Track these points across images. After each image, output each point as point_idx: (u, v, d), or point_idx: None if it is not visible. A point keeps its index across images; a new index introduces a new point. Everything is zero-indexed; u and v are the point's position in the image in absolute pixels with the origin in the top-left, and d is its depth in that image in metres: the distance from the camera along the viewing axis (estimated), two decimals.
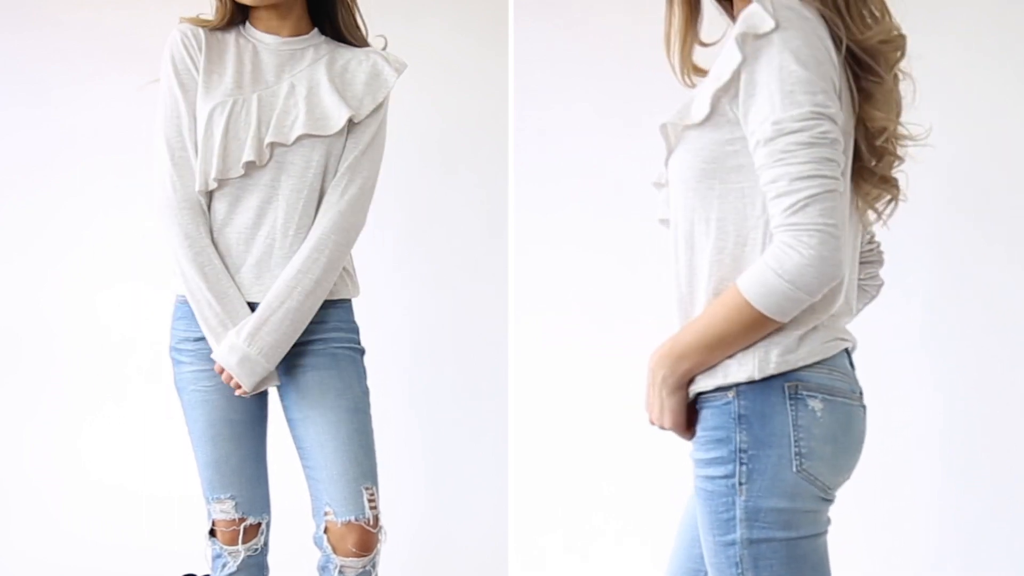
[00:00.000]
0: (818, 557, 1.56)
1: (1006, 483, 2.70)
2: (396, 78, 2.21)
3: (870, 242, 1.85)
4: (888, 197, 1.69)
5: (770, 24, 1.47)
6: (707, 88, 1.54)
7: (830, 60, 1.51)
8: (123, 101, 3.01)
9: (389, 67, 2.21)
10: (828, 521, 1.59)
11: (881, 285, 1.88)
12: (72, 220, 3.24)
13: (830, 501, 1.58)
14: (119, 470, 3.26)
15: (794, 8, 1.50)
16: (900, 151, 1.65)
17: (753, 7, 1.49)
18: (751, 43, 1.49)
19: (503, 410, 3.13)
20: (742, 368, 1.54)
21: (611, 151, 3.01)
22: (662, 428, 1.64)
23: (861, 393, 1.62)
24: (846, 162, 1.57)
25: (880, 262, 1.87)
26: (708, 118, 1.54)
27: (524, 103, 3.05)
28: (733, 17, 1.71)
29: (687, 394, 1.60)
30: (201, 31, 2.16)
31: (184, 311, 2.19)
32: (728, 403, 1.54)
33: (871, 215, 1.72)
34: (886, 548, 2.65)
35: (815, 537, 1.56)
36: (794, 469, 1.52)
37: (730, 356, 1.55)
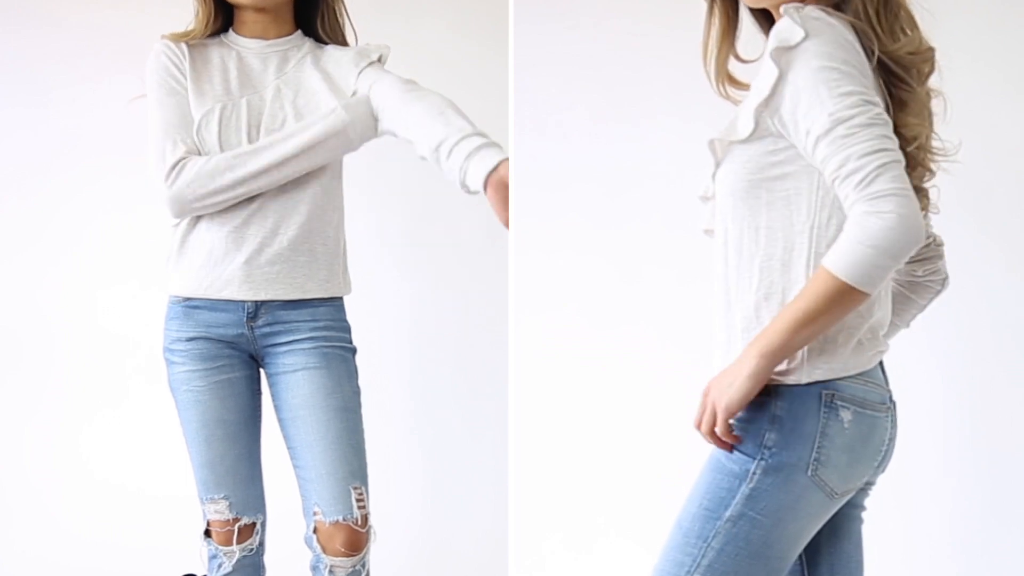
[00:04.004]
0: (786, 548, 1.60)
1: (1009, 485, 2.70)
2: (378, 53, 2.21)
3: (927, 236, 1.85)
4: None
5: (800, 34, 1.54)
6: (749, 104, 1.60)
7: (861, 62, 1.57)
8: (123, 101, 3.00)
9: (369, 47, 2.23)
10: (834, 510, 1.64)
11: (946, 279, 1.90)
12: (72, 220, 3.24)
13: (840, 497, 1.63)
14: (119, 470, 3.26)
15: (821, 18, 1.57)
16: (932, 165, 1.71)
17: (782, 22, 1.56)
18: (785, 56, 1.55)
19: (503, 410, 3.13)
20: (787, 375, 1.59)
21: (611, 153, 3.01)
22: (709, 430, 1.60)
23: (891, 398, 1.67)
24: None
25: (940, 256, 1.89)
26: (752, 133, 1.60)
27: (524, 104, 3.05)
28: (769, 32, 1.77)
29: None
30: (183, 45, 2.17)
31: (176, 311, 2.20)
32: (767, 402, 1.59)
33: None
34: (889, 550, 2.65)
35: (798, 530, 1.60)
36: (808, 473, 1.58)
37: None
